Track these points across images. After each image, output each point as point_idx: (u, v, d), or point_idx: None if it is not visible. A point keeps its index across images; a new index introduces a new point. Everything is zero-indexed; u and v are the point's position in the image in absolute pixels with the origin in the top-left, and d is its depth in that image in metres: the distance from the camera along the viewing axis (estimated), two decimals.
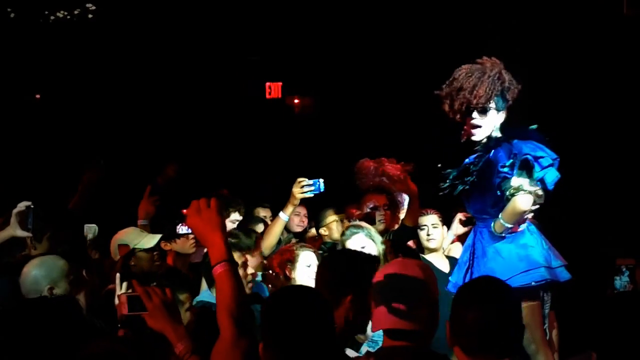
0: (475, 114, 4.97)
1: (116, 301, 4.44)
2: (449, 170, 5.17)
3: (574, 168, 5.17)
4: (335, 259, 4.21)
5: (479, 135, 5.02)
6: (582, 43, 8.34)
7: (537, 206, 4.94)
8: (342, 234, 5.51)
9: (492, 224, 4.95)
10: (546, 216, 5.20)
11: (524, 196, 4.82)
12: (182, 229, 5.90)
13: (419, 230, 6.28)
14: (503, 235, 4.93)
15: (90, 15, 9.17)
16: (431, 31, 8.95)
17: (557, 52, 8.33)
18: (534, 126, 5.01)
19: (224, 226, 3.13)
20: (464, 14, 8.62)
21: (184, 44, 9.87)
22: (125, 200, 6.96)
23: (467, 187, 5.06)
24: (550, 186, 4.90)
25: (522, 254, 4.95)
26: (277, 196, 6.20)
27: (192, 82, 10.14)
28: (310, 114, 10.56)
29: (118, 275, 4.49)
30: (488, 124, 4.99)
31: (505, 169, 4.85)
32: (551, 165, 4.87)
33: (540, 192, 4.89)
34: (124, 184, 8.16)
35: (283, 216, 5.81)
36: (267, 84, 10.29)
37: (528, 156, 4.84)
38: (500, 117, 5.01)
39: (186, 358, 3.19)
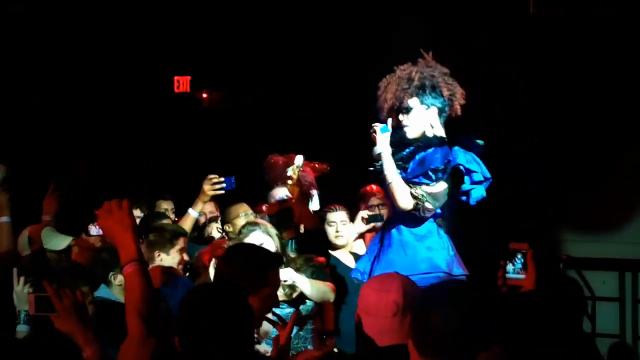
0: (401, 116, 5.15)
1: (14, 297, 4.41)
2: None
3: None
4: (231, 252, 4.19)
5: (409, 133, 5.16)
6: (488, 41, 8.46)
7: (415, 212, 5.05)
8: (239, 232, 5.44)
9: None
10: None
11: (407, 198, 4.95)
12: (93, 229, 5.82)
13: (327, 226, 6.30)
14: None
15: None
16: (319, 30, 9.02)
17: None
18: (481, 142, 5.12)
19: (135, 226, 3.15)
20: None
21: (91, 37, 9.69)
22: (30, 195, 6.83)
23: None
24: (473, 202, 5.04)
25: (425, 256, 5.05)
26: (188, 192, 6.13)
27: (97, 77, 9.97)
28: (219, 109, 10.48)
29: (15, 270, 4.45)
30: (416, 121, 5.13)
31: (438, 174, 4.95)
32: (481, 182, 4.98)
33: (430, 207, 5.00)
34: (29, 179, 7.98)
35: (193, 213, 5.71)
36: (176, 77, 10.18)
37: (461, 166, 4.94)
38: (432, 112, 5.11)
39: None
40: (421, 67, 5.17)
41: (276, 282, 3.91)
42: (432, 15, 8.31)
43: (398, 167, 5.10)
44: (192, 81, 10.16)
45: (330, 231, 6.29)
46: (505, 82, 8.27)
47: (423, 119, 5.13)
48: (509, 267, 3.82)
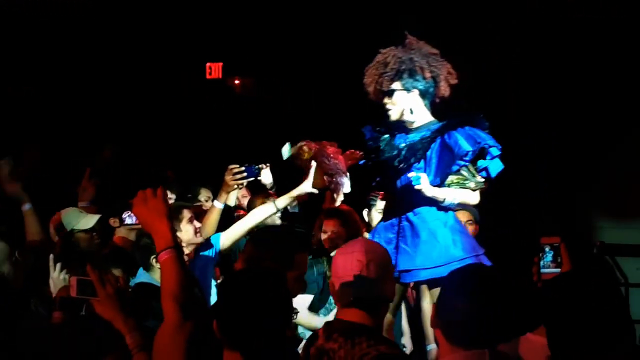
0: (385, 99, 5.21)
1: (51, 283, 4.43)
2: (381, 135, 5.28)
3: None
4: (258, 234, 4.21)
5: (392, 115, 5.23)
6: (488, 40, 8.42)
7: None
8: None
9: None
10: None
11: (476, 194, 5.00)
12: (127, 218, 5.82)
13: (373, 212, 6.36)
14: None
15: None
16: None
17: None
18: (480, 114, 5.12)
19: (170, 214, 3.17)
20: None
21: (122, 25, 9.72)
22: (64, 182, 6.89)
23: (416, 164, 5.13)
24: (494, 175, 5.04)
25: (455, 240, 5.04)
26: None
27: (130, 63, 10.00)
28: (252, 95, 10.48)
29: (52, 256, 4.46)
30: (397, 104, 5.20)
31: (467, 157, 4.96)
32: (498, 155, 4.99)
33: (481, 180, 5.04)
34: (63, 167, 8.05)
35: (217, 204, 5.60)
36: (208, 64, 10.19)
37: (485, 145, 4.96)
38: (413, 95, 5.15)
39: (134, 352, 3.17)
40: (400, 50, 5.22)
41: (302, 266, 3.93)
42: (432, 15, 8.30)
43: (413, 154, 5.12)
44: (224, 67, 10.17)
45: (377, 218, 6.31)
46: (505, 81, 8.27)
47: (404, 102, 5.19)
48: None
